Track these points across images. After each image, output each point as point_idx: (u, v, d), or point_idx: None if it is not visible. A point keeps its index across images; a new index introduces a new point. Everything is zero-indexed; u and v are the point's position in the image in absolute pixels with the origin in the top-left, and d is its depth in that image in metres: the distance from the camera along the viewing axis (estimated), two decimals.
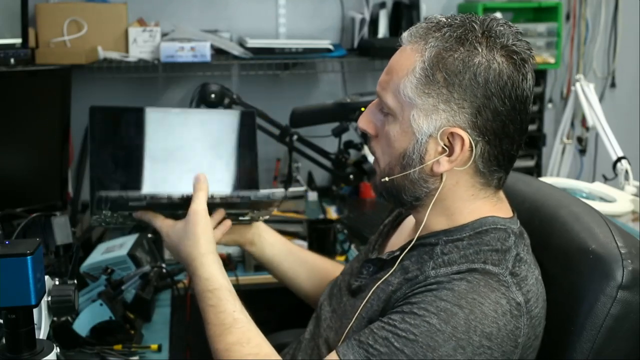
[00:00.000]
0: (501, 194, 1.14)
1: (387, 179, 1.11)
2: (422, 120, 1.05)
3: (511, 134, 1.06)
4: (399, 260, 1.12)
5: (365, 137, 1.22)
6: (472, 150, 1.04)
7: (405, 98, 1.06)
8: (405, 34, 1.09)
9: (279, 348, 1.38)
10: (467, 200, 1.10)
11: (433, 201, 1.10)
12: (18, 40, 2.28)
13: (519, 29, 1.06)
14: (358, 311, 1.13)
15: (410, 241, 1.12)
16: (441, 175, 1.08)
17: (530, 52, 1.06)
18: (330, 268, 1.50)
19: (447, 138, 1.05)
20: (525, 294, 1.03)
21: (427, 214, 1.11)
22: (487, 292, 1.00)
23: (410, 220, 1.24)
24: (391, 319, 1.01)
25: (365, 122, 1.14)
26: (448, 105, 1.03)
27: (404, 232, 1.25)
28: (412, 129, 1.06)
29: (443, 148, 1.05)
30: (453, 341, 0.97)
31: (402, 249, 1.15)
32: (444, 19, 1.07)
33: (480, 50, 1.02)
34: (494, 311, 0.99)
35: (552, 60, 2.88)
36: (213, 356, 1.16)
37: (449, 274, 1.03)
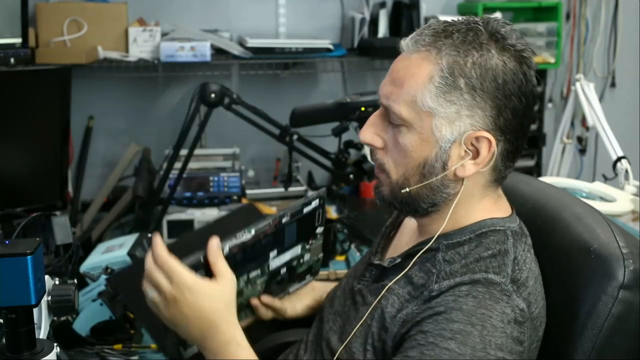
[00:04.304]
0: (500, 190, 1.15)
1: (408, 189, 1.09)
2: (445, 128, 1.04)
3: (525, 129, 1.09)
4: (403, 272, 1.11)
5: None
6: (494, 151, 1.05)
7: (424, 108, 1.04)
8: (407, 42, 1.07)
9: (281, 347, 1.38)
10: (476, 200, 1.11)
11: (453, 206, 1.09)
12: (18, 40, 2.28)
13: (514, 27, 1.07)
14: (363, 318, 1.12)
15: (414, 252, 1.12)
16: (462, 179, 1.08)
17: (530, 47, 1.08)
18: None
19: (471, 142, 1.05)
20: (526, 298, 1.04)
21: (446, 218, 1.09)
22: (493, 305, 1.00)
23: (410, 221, 1.24)
24: (409, 356, 1.00)
25: (369, 135, 1.12)
26: (471, 110, 1.04)
27: (405, 234, 1.24)
28: (434, 137, 1.05)
29: (466, 151, 1.06)
30: None
31: (402, 256, 1.14)
32: (446, 24, 1.06)
33: (494, 53, 1.03)
34: (502, 322, 1.00)
35: (552, 60, 2.88)
36: None
37: (452, 286, 1.03)
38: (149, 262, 1.10)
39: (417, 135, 1.06)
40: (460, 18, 1.08)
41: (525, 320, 1.02)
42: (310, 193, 1.35)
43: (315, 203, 1.25)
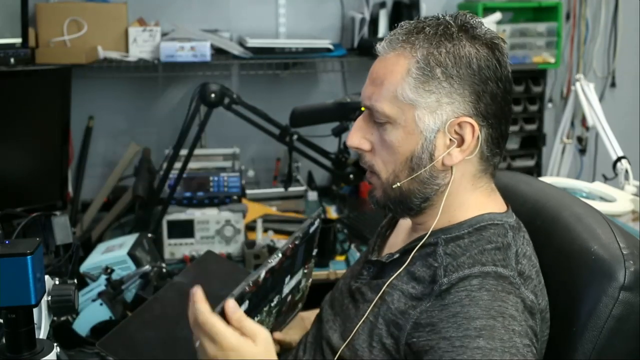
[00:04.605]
0: (493, 185, 1.16)
1: (398, 184, 1.11)
2: (427, 118, 1.07)
3: (506, 114, 1.11)
4: (404, 266, 1.11)
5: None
6: (478, 136, 1.08)
7: (405, 101, 1.07)
8: (383, 45, 1.12)
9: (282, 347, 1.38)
10: (468, 191, 1.12)
11: (445, 197, 1.10)
12: (18, 40, 2.28)
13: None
14: (365, 315, 1.12)
15: (412, 248, 1.12)
16: (451, 168, 1.09)
17: (500, 36, 1.12)
18: None
19: (454, 129, 1.07)
20: (532, 290, 1.06)
21: (439, 212, 1.10)
22: (506, 296, 1.01)
23: (406, 220, 1.24)
24: None
25: (356, 139, 1.14)
26: (450, 98, 1.07)
27: (401, 232, 1.25)
28: (419, 129, 1.08)
29: (451, 140, 1.08)
30: (507, 352, 0.97)
31: (400, 252, 1.15)
32: (417, 21, 1.11)
33: (465, 42, 1.07)
34: (517, 310, 1.01)
35: (552, 60, 2.88)
36: None
37: (462, 278, 1.03)
38: (190, 317, 1.01)
39: (402, 130, 1.09)
40: (429, 16, 1.12)
41: (535, 311, 1.04)
42: (315, 207, 1.30)
43: (317, 223, 1.24)
